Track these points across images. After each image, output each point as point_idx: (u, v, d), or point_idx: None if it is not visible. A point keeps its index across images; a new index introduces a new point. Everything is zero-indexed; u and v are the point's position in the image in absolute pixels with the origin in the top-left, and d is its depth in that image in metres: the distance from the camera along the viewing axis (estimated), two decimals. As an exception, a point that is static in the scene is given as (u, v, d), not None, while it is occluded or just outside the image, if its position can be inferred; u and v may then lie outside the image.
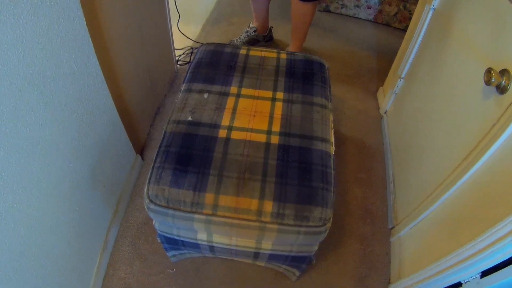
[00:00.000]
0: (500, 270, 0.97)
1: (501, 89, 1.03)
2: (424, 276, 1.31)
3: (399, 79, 2.09)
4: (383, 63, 2.73)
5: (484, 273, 1.04)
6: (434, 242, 1.36)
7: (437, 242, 1.33)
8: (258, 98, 1.39)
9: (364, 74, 2.70)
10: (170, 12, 2.24)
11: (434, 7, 1.73)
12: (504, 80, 1.02)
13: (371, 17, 3.31)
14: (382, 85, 2.48)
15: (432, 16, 1.77)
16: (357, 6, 3.26)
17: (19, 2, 0.87)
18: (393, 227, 1.77)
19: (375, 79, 2.65)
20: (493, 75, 1.03)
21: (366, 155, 2.14)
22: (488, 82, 1.04)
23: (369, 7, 3.24)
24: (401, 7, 3.13)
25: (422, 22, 1.83)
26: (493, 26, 1.21)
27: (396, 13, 3.18)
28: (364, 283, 1.62)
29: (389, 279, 1.62)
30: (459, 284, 1.14)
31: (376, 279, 1.64)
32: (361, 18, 3.34)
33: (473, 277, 1.08)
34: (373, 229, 1.81)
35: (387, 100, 2.28)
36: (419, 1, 2.01)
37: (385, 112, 2.31)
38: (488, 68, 1.05)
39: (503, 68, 1.04)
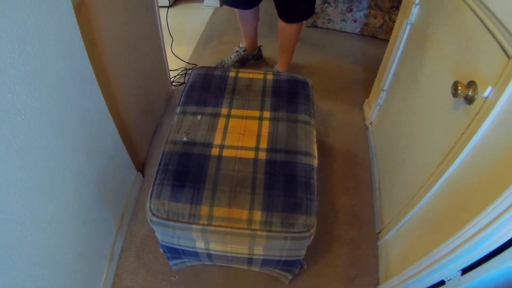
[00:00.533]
0: (478, 267, 1.01)
1: (469, 100, 1.08)
2: (408, 275, 1.35)
3: (382, 91, 2.13)
4: (369, 75, 2.77)
5: (465, 271, 1.07)
6: (416, 243, 1.40)
7: (418, 243, 1.37)
8: (246, 117, 1.47)
9: (351, 87, 2.74)
10: (164, 36, 2.30)
11: (411, 22, 1.77)
12: (470, 91, 1.06)
13: (357, 30, 3.34)
14: (368, 97, 2.51)
15: (410, 31, 1.81)
16: (343, 20, 3.29)
17: (28, 42, 0.94)
18: (380, 232, 1.81)
19: (361, 91, 2.68)
20: (459, 87, 1.07)
21: (353, 164, 2.19)
22: (455, 95, 1.08)
23: (355, 21, 3.27)
24: (386, 18, 3.16)
25: (401, 36, 1.87)
26: (461, 40, 1.25)
27: (382, 25, 3.22)
28: (353, 284, 1.66)
29: (378, 281, 1.67)
30: (442, 282, 1.17)
31: (365, 280, 1.68)
32: (348, 32, 3.37)
33: (454, 275, 1.11)
34: (361, 234, 1.86)
35: (372, 111, 2.32)
36: (398, 16, 2.03)
37: (371, 123, 2.36)
38: (455, 81, 1.09)
39: (470, 80, 1.08)
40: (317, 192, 1.28)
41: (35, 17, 0.97)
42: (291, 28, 2.35)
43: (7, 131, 0.91)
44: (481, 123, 1.01)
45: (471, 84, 1.07)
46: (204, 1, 3.73)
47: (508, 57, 0.93)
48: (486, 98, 1.01)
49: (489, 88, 0.99)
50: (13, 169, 0.95)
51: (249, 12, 2.50)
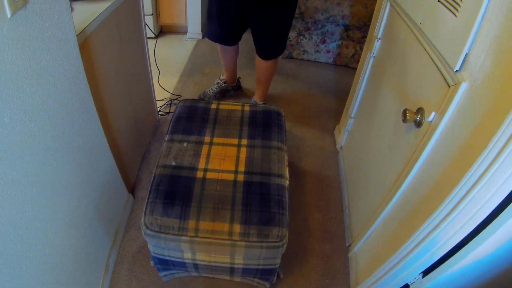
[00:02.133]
0: (436, 269, 1.10)
1: (418, 124, 1.18)
2: (374, 279, 1.47)
3: (350, 118, 2.30)
4: (340, 103, 2.88)
5: (425, 273, 1.15)
6: (380, 251, 1.50)
7: (382, 251, 1.47)
8: (226, 144, 1.64)
9: (323, 114, 2.91)
10: (152, 69, 2.45)
11: (374, 55, 1.95)
12: (418, 116, 1.16)
13: (330, 60, 3.51)
14: (338, 123, 2.68)
15: (373, 63, 1.98)
16: (317, 51, 3.46)
17: (43, 80, 1.06)
18: (350, 245, 1.92)
19: (333, 118, 2.85)
20: (408, 114, 1.18)
21: (325, 185, 2.34)
22: (404, 121, 1.19)
23: (328, 51, 3.45)
24: (357, 48, 3.35)
25: (365, 68, 2.05)
26: (412, 71, 1.37)
27: (353, 55, 3.40)
28: (327, 291, 1.78)
29: (349, 287, 1.78)
30: (407, 286, 1.26)
31: (338, 287, 1.79)
32: (321, 62, 3.54)
33: (416, 278, 1.20)
34: (333, 248, 1.97)
35: (342, 136, 2.48)
36: (363, 50, 2.22)
37: (341, 147, 2.51)
38: (404, 109, 1.19)
39: (419, 107, 1.19)
40: (289, 208, 1.45)
41: (49, 57, 1.09)
42: (267, 63, 2.54)
43: (26, 153, 1.02)
44: (427, 143, 1.14)
45: (420, 110, 1.18)
46: (187, 34, 3.91)
47: (448, 85, 1.05)
48: (431, 122, 1.13)
49: (433, 113, 1.11)
50: (28, 186, 1.05)
51: (230, 47, 2.67)
